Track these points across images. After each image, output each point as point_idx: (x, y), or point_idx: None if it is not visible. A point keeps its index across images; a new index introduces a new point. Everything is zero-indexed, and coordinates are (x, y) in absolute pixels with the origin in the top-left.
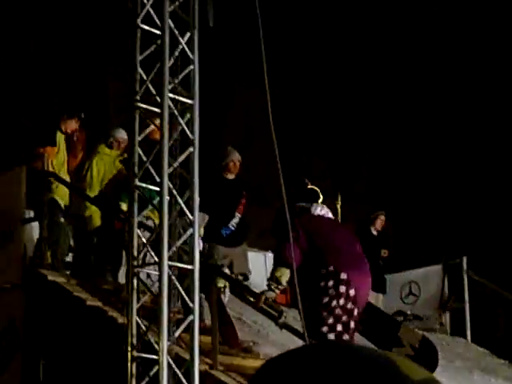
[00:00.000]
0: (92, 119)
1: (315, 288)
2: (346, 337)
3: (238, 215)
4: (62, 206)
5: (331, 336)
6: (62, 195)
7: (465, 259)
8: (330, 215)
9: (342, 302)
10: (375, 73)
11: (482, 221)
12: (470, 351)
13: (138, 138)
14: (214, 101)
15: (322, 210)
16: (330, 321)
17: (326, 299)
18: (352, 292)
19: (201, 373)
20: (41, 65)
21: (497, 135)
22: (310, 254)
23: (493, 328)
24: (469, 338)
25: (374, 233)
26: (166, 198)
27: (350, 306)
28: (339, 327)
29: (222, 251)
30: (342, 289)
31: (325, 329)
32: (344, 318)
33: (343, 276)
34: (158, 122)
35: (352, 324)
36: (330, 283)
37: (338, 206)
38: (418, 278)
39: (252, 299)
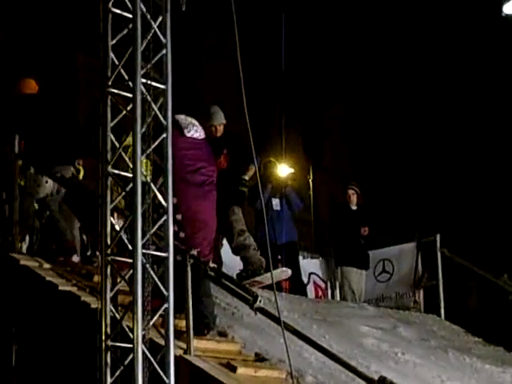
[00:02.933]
0: (61, 93)
1: None
2: None
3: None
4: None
5: None
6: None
7: (438, 237)
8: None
9: None
10: (350, 44)
11: (455, 198)
12: (444, 329)
13: (110, 124)
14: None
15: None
16: None
17: None
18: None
19: (175, 358)
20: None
21: (470, 115)
22: None
23: (466, 305)
24: (442, 315)
25: (354, 208)
26: (139, 184)
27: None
28: None
29: None
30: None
31: None
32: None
33: None
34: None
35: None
36: None
37: (310, 180)
38: (391, 256)
39: (229, 284)
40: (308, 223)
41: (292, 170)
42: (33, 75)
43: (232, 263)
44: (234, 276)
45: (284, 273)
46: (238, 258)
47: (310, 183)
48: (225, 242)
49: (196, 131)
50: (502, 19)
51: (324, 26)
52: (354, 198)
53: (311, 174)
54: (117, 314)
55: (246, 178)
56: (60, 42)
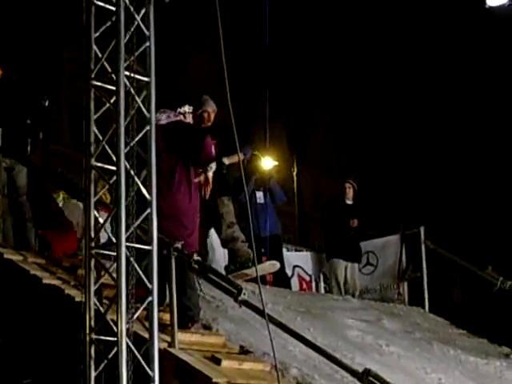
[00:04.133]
0: (47, 84)
1: None
2: None
3: None
4: None
5: None
6: None
7: (422, 229)
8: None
9: None
10: (333, 39)
11: (439, 191)
12: (429, 321)
13: (94, 117)
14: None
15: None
16: None
17: None
18: None
19: (160, 351)
20: None
21: (456, 109)
22: None
23: (450, 297)
24: (427, 307)
25: (349, 202)
26: (123, 177)
27: None
28: None
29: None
30: None
31: None
32: None
33: None
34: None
35: None
36: None
37: (294, 174)
38: (375, 248)
39: (213, 276)
40: (292, 216)
41: (276, 163)
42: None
43: (218, 256)
44: (222, 269)
45: (273, 266)
46: (222, 249)
47: (294, 176)
48: (211, 233)
49: (158, 118)
50: (485, 11)
51: (312, 19)
52: (350, 192)
53: (295, 167)
54: (101, 308)
55: (226, 161)
56: (46, 36)
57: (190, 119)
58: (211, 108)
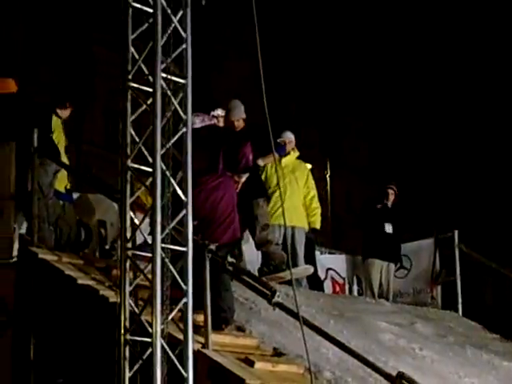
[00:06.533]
0: (80, 86)
1: None
2: None
3: None
4: (63, 189)
5: None
6: (59, 179)
7: (456, 233)
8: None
9: None
10: (366, 45)
11: (473, 195)
12: (462, 325)
13: (131, 119)
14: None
15: None
16: None
17: None
18: None
19: (193, 352)
20: (28, 33)
21: (487, 113)
22: None
23: (484, 301)
24: (460, 311)
25: (389, 205)
26: (159, 178)
27: None
28: None
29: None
30: None
31: None
32: None
33: None
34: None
35: None
36: None
37: (327, 176)
38: (409, 252)
39: (247, 278)
40: (325, 219)
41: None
42: (15, 75)
43: (252, 258)
44: (256, 271)
45: (306, 270)
46: (256, 252)
47: (328, 179)
48: (246, 235)
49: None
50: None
51: (348, 26)
52: (391, 198)
53: (328, 170)
54: (136, 309)
55: (261, 162)
56: (79, 36)
57: (222, 123)
58: (236, 117)
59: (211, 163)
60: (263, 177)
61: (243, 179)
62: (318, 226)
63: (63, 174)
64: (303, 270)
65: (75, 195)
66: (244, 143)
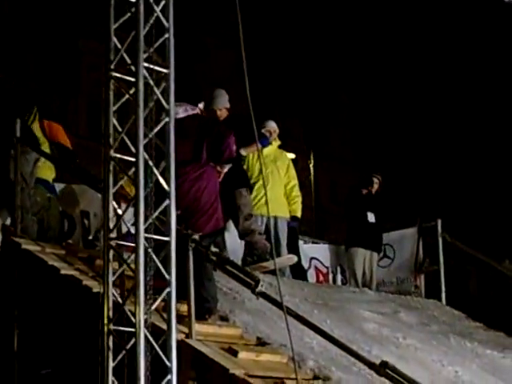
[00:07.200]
0: (65, 76)
1: None
2: None
3: None
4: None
5: None
6: (48, 170)
7: (439, 222)
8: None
9: None
10: (351, 33)
11: (456, 184)
12: (446, 314)
13: (113, 108)
14: (188, 59)
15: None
16: None
17: None
18: None
19: (177, 342)
20: (12, 24)
21: (472, 104)
22: None
23: (467, 290)
24: (443, 300)
25: (364, 192)
26: (142, 168)
27: None
28: None
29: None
30: None
31: None
32: None
33: None
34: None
35: None
36: None
37: (311, 166)
38: (392, 241)
39: (230, 268)
40: (309, 208)
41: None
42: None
43: (235, 247)
44: (239, 260)
45: (290, 259)
46: (239, 241)
47: (311, 169)
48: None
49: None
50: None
51: (330, 17)
52: (375, 186)
53: (312, 159)
54: (119, 298)
55: (243, 152)
56: (64, 27)
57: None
58: (219, 106)
59: (194, 153)
60: (245, 166)
61: (226, 169)
62: (298, 214)
63: (50, 164)
64: (286, 259)
65: (59, 186)
66: (228, 134)
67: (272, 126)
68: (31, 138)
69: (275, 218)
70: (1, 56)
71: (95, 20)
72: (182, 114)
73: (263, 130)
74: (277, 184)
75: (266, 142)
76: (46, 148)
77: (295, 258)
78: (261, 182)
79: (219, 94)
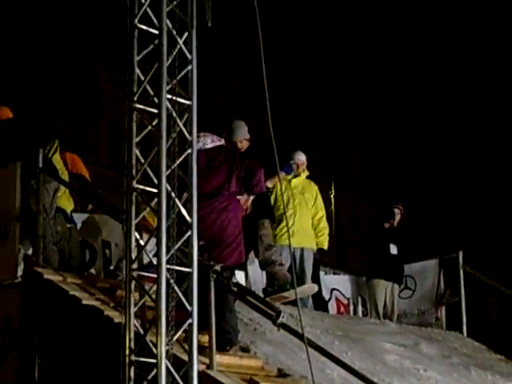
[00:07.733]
0: (86, 105)
1: None
2: None
3: None
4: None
5: None
6: (65, 202)
7: (461, 253)
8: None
9: None
10: (370, 63)
11: (477, 216)
12: (467, 346)
13: (136, 140)
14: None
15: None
16: None
17: None
18: None
19: (198, 373)
20: (33, 53)
21: (494, 131)
22: None
23: (488, 322)
24: (465, 332)
25: (386, 226)
26: (164, 199)
27: None
28: None
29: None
30: None
31: None
32: None
33: None
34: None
35: None
36: None
37: (332, 196)
38: (414, 273)
39: (251, 299)
40: (330, 239)
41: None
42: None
43: (257, 278)
44: (260, 291)
45: (311, 288)
46: (260, 272)
47: (332, 199)
48: (251, 256)
49: (203, 142)
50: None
51: (347, 44)
52: (397, 218)
53: (333, 189)
54: (141, 329)
55: (269, 184)
56: (84, 56)
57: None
58: (238, 138)
59: (222, 185)
60: (273, 198)
61: (251, 199)
62: (325, 246)
63: (68, 195)
64: (308, 288)
65: (82, 216)
66: (258, 168)
67: (300, 158)
68: (51, 169)
69: (302, 249)
70: (23, 88)
71: (117, 50)
72: (210, 145)
73: (291, 162)
74: (305, 215)
75: (288, 170)
76: (65, 179)
77: (316, 287)
78: (289, 213)
79: (238, 125)
